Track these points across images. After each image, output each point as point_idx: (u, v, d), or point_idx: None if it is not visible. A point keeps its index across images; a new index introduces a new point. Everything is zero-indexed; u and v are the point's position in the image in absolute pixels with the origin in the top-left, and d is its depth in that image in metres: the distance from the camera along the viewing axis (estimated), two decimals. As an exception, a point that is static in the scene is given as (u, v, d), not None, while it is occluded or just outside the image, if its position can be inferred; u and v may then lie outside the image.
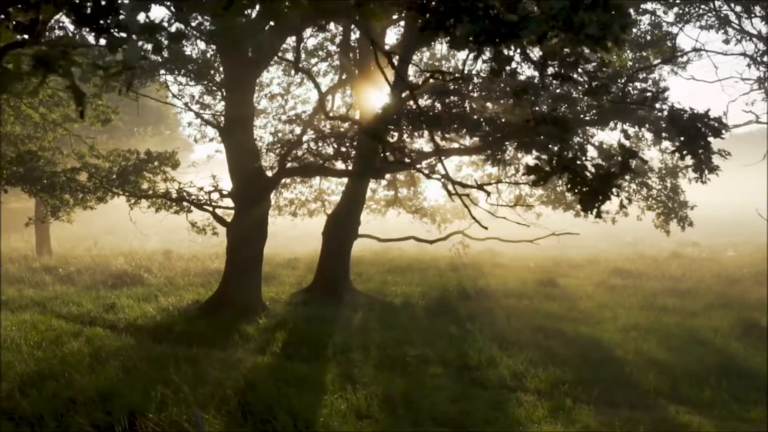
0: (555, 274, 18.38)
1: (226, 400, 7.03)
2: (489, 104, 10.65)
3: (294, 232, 30.26)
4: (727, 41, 12.40)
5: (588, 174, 3.20)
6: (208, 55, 13.51)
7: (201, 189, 12.84)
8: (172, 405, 6.60)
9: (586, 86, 7.10)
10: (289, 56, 18.93)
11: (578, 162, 3.23)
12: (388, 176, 18.36)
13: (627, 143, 11.96)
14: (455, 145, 13.51)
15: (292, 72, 18.90)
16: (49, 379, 7.81)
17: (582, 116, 10.19)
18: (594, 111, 9.91)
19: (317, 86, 6.83)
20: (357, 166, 13.05)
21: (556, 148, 3.37)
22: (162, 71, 14.14)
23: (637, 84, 14.88)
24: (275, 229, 31.38)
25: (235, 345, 10.26)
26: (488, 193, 9.76)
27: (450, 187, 9.41)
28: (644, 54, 13.71)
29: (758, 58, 12.30)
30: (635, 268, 19.08)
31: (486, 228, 8.24)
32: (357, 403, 7.11)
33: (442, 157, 10.92)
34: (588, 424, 6.84)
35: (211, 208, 12.75)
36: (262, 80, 19.38)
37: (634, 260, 20.88)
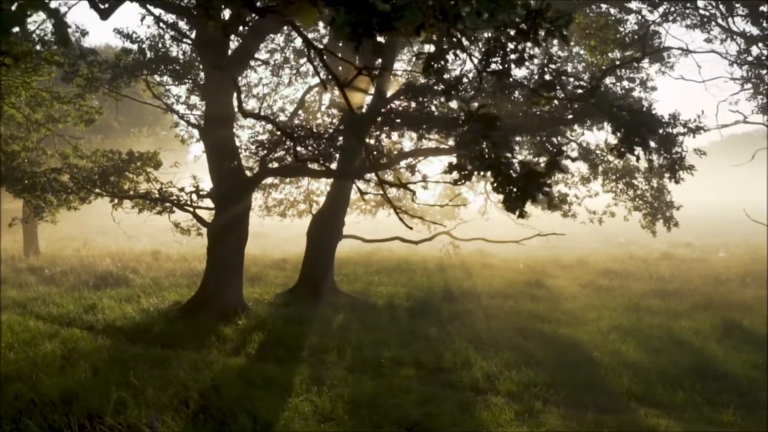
0: (543, 274, 18.29)
1: (189, 401, 6.97)
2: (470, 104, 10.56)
3: (287, 233, 30.24)
4: (709, 40, 12.34)
5: (513, 173, 3.13)
6: (192, 55, 13.43)
7: (182, 189, 12.76)
8: (132, 407, 6.53)
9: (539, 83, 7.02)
10: (277, 56, 18.96)
11: (504, 160, 3.16)
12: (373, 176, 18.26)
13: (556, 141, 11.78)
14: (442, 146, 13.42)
15: (280, 72, 18.91)
16: (16, 381, 7.75)
17: (559, 115, 10.12)
18: (569, 111, 9.84)
19: (235, 84, 6.73)
20: (338, 166, 13.01)
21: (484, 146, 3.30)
22: (145, 71, 14.09)
23: (625, 83, 14.88)
24: (267, 229, 31.38)
25: (210, 346, 10.18)
26: (413, 192, 9.70)
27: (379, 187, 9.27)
28: (629, 53, 13.63)
29: (740, 58, 12.19)
30: (624, 268, 18.98)
31: (411, 228, 8.16)
32: (322, 405, 7.04)
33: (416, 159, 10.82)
34: (554, 427, 6.75)
35: (191, 209, 12.67)
36: (249, 81, 19.37)
37: (624, 261, 20.78)
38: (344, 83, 3.54)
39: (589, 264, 20.24)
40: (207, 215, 13.26)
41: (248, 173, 13.08)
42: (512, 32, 3.36)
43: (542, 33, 3.41)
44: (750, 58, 12.01)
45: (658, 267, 19.38)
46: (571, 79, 7.69)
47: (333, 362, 9.22)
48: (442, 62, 3.13)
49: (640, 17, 12.27)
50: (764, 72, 11.99)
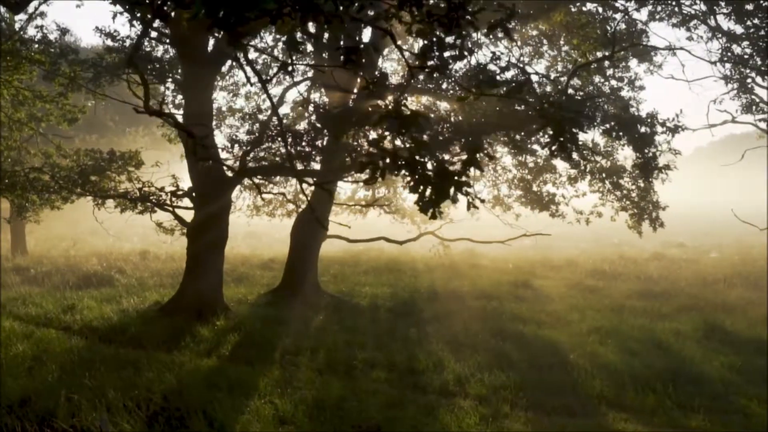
0: (531, 275, 18.17)
1: (150, 404, 6.87)
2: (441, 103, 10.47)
3: (280, 233, 30.11)
4: (691, 38, 12.20)
5: (429, 172, 3.02)
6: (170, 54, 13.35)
7: (161, 189, 12.66)
8: (87, 410, 6.44)
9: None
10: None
11: (420, 159, 3.05)
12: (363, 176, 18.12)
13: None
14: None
15: (268, 70, 18.83)
16: (-21, 383, 7.66)
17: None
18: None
19: (144, 81, 6.65)
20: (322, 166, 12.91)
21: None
22: (128, 70, 14.02)
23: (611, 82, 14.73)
24: (259, 229, 31.19)
25: (184, 347, 10.09)
26: (330, 192, 9.66)
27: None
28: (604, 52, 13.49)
29: (725, 56, 12.04)
30: (613, 269, 18.84)
31: (325, 228, 8.05)
32: (283, 408, 6.94)
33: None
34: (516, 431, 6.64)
35: (170, 208, 12.58)
36: (238, 80, 19.29)
37: (614, 261, 20.62)
38: (267, 80, 3.44)
39: (579, 264, 20.10)
40: (190, 215, 13.17)
41: (230, 173, 12.99)
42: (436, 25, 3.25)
43: (471, 27, 3.30)
44: (732, 56, 11.85)
45: (647, 267, 19.24)
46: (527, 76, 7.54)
47: (304, 364, 9.11)
48: (361, 55, 3.02)
49: (625, 16, 12.12)
50: (747, 70, 11.85)
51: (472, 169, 3.65)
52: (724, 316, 12.17)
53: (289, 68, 3.55)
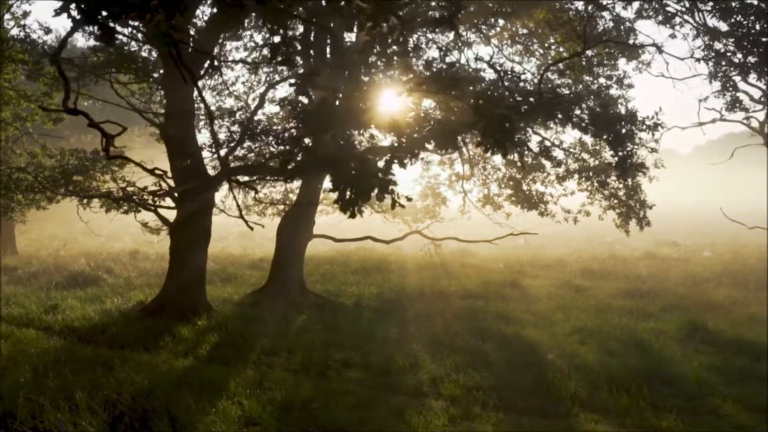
0: (521, 274, 18.08)
1: (117, 404, 6.82)
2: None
3: (274, 232, 30.05)
4: (673, 35, 12.10)
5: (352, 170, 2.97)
6: (153, 54, 13.30)
7: (144, 188, 12.62)
8: (52, 411, 6.39)
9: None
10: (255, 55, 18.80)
11: (342, 157, 2.99)
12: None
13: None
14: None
15: (258, 71, 18.79)
16: (-50, 384, 7.62)
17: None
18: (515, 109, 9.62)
19: (64, 79, 6.60)
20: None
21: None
22: (113, 69, 13.97)
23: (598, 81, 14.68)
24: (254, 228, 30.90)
25: (163, 347, 10.04)
26: (256, 191, 9.67)
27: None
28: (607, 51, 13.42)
29: (707, 54, 11.95)
30: (603, 268, 18.74)
31: (252, 228, 8.00)
32: (250, 409, 6.89)
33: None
34: (484, 433, 6.58)
35: (153, 208, 12.53)
36: (226, 79, 19.24)
37: (604, 260, 20.51)
38: (198, 78, 3.38)
39: (569, 264, 20.00)
40: (174, 214, 13.11)
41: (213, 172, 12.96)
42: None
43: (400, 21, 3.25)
44: (715, 54, 11.75)
45: (636, 267, 19.14)
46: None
47: (280, 364, 9.06)
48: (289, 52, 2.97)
49: (599, 12, 12.03)
50: (730, 69, 11.74)
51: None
52: (708, 315, 12.08)
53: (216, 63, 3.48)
